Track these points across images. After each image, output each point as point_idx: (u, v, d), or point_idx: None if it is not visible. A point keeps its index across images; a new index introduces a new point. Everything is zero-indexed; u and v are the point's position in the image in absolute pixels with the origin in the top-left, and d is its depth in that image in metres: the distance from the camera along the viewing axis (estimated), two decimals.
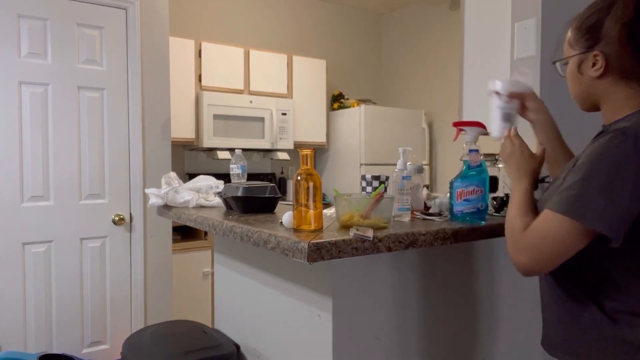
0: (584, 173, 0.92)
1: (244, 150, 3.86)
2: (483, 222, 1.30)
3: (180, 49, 3.56)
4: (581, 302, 1.00)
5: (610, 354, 0.96)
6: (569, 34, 1.06)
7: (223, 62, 3.78)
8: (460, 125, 1.38)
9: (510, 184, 1.14)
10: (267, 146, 3.93)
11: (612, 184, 0.88)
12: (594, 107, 1.06)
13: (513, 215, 1.04)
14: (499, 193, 1.53)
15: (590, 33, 1.00)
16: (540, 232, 0.95)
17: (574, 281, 1.02)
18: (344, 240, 1.04)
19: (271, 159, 4.34)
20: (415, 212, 1.44)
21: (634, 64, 0.96)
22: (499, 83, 1.27)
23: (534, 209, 1.04)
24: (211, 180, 1.93)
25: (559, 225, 0.93)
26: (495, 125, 1.29)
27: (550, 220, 0.94)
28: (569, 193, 0.93)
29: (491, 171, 1.41)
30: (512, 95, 1.25)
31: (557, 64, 1.11)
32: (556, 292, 1.06)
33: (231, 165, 1.96)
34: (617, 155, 0.88)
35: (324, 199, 4.02)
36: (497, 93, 1.26)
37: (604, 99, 1.02)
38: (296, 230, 1.15)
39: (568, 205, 0.92)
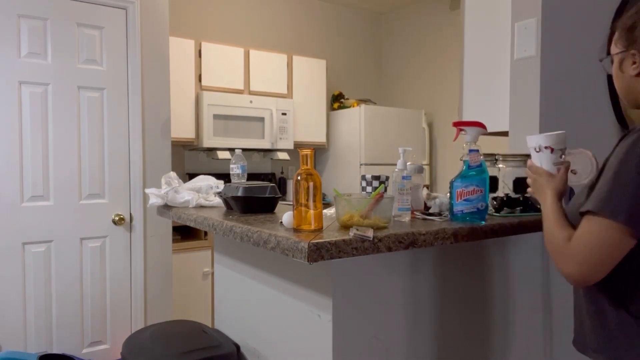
0: (613, 172, 0.93)
1: (244, 150, 3.87)
2: (483, 222, 1.30)
3: (180, 49, 3.56)
4: (608, 304, 1.03)
5: (636, 353, 0.99)
6: (616, 32, 1.09)
7: (223, 62, 3.78)
8: (460, 125, 1.38)
9: (541, 203, 1.15)
10: (267, 146, 3.94)
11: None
12: (637, 105, 1.09)
13: (551, 229, 1.05)
14: (499, 193, 1.53)
15: (629, 33, 1.03)
16: (583, 239, 0.96)
17: (600, 283, 1.02)
18: (344, 240, 1.04)
19: (271, 159, 4.34)
20: (415, 212, 1.44)
21: None
22: (547, 137, 1.19)
23: (569, 221, 1.05)
24: (211, 180, 1.93)
25: (598, 228, 0.93)
26: None
27: (590, 225, 0.95)
28: (600, 192, 0.94)
29: (491, 171, 1.41)
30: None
31: (604, 61, 1.14)
32: (586, 293, 1.09)
33: (231, 165, 1.96)
34: None
35: (324, 199, 4.02)
36: (548, 148, 1.19)
37: None
38: (296, 230, 1.15)
39: (601, 204, 0.93)
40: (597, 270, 0.95)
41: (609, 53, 1.13)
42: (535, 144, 1.19)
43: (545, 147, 1.18)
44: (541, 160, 1.19)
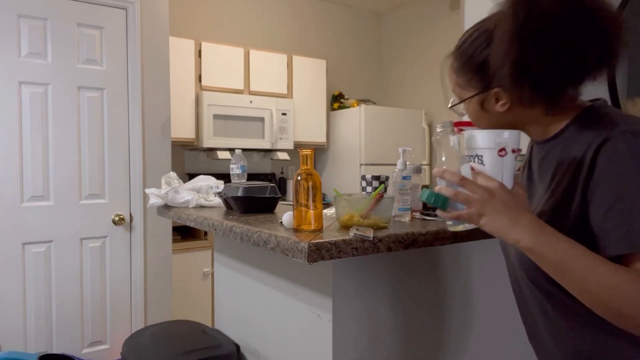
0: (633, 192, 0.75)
1: (244, 150, 3.87)
2: None
3: (180, 49, 3.56)
4: (605, 332, 0.85)
5: None
6: (454, 76, 0.96)
7: (223, 62, 3.78)
8: (460, 125, 1.38)
9: (514, 240, 0.79)
10: (267, 146, 3.93)
11: None
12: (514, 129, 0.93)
13: (611, 278, 0.72)
14: None
15: (480, 73, 0.90)
16: None
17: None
18: (344, 240, 1.04)
19: (271, 159, 4.34)
20: (414, 212, 1.44)
21: (537, 90, 0.84)
22: (515, 135, 0.88)
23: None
24: (211, 180, 1.93)
25: None
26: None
27: None
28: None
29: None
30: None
31: (455, 109, 0.98)
32: (577, 321, 0.88)
33: (231, 165, 1.96)
34: None
35: (324, 199, 4.02)
36: (515, 152, 0.89)
37: (524, 123, 0.92)
38: (296, 230, 1.15)
39: None
40: None
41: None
42: (498, 145, 0.85)
43: (513, 151, 0.86)
44: (501, 169, 0.85)
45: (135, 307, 2.79)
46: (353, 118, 4.25)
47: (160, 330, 1.81)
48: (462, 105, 0.97)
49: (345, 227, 1.17)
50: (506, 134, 0.85)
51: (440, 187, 0.85)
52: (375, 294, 1.28)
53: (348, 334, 1.24)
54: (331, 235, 1.07)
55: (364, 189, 1.50)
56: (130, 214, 2.77)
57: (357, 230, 1.09)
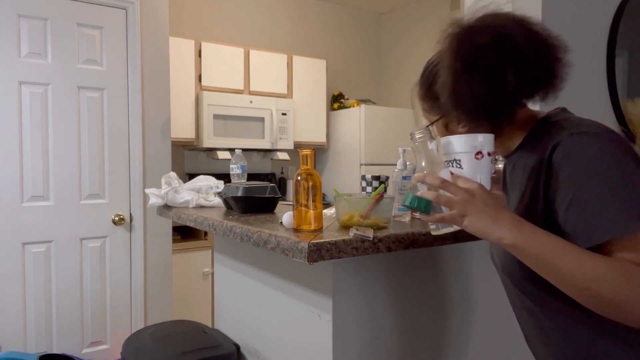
0: (606, 181, 0.77)
1: (244, 150, 3.87)
2: None
3: (180, 49, 3.56)
4: (592, 333, 0.86)
5: None
6: (420, 102, 1.07)
7: (223, 62, 3.78)
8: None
9: (497, 238, 0.81)
10: (267, 146, 3.93)
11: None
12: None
13: (596, 271, 0.73)
14: None
15: (436, 101, 0.98)
16: None
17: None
18: (344, 240, 1.04)
19: (271, 159, 4.34)
20: (414, 212, 1.44)
21: (474, 115, 0.90)
22: (490, 138, 0.90)
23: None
24: (211, 180, 1.93)
25: None
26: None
27: None
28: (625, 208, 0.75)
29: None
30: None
31: (430, 128, 1.04)
32: (563, 322, 0.89)
33: (231, 165, 1.96)
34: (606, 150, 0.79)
35: (324, 199, 4.03)
36: (492, 155, 0.91)
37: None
38: (296, 230, 1.15)
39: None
40: None
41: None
42: (474, 148, 0.87)
43: (489, 154, 0.88)
44: (479, 171, 0.87)
45: (135, 307, 2.79)
46: (353, 118, 4.25)
47: (160, 330, 1.81)
48: (430, 127, 1.05)
49: (345, 227, 1.17)
50: (480, 137, 0.87)
51: (423, 191, 0.87)
52: (375, 294, 1.28)
53: (348, 334, 1.24)
54: (331, 235, 1.07)
55: (364, 189, 1.50)
56: (130, 214, 2.77)
57: (357, 230, 1.09)
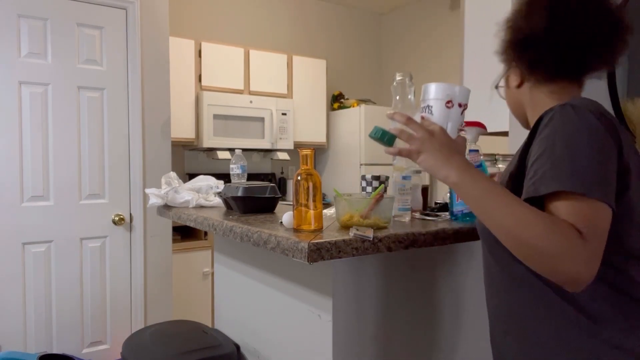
0: (564, 146, 0.80)
1: (244, 150, 3.87)
2: None
3: (180, 49, 3.56)
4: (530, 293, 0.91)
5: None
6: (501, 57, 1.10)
7: (223, 62, 3.78)
8: (467, 125, 1.37)
9: (444, 176, 0.88)
10: (267, 146, 3.94)
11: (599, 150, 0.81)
12: (525, 120, 1.06)
13: (523, 215, 0.77)
14: None
15: (504, 52, 1.02)
16: (591, 224, 0.76)
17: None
18: (344, 240, 1.04)
19: (271, 159, 4.34)
20: (414, 212, 1.44)
21: (527, 67, 0.97)
22: (465, 91, 0.97)
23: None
24: (211, 180, 1.93)
25: (594, 210, 0.77)
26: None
27: (585, 207, 0.76)
28: (567, 169, 0.78)
29: (491, 171, 1.41)
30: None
31: (499, 90, 1.11)
32: (511, 279, 0.94)
33: (231, 165, 1.96)
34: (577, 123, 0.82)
35: (324, 199, 4.03)
36: (462, 106, 0.97)
37: (529, 105, 1.02)
38: (296, 230, 1.15)
39: (582, 182, 0.77)
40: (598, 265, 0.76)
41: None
42: (447, 97, 0.93)
43: (460, 105, 0.94)
44: (447, 119, 0.94)
45: (135, 307, 2.79)
46: (353, 118, 4.25)
47: (160, 330, 1.81)
48: (502, 83, 1.08)
49: (345, 227, 1.17)
50: (457, 88, 0.93)
51: (391, 128, 0.95)
52: (376, 294, 1.28)
53: (348, 334, 1.24)
54: (331, 235, 1.07)
55: (364, 189, 1.50)
56: (130, 214, 2.77)
57: (357, 230, 1.09)
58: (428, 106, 0.96)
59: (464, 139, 0.98)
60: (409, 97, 1.00)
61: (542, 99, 0.98)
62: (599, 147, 0.79)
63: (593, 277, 0.75)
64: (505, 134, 2.02)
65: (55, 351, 2.58)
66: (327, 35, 4.79)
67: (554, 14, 0.90)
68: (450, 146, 0.90)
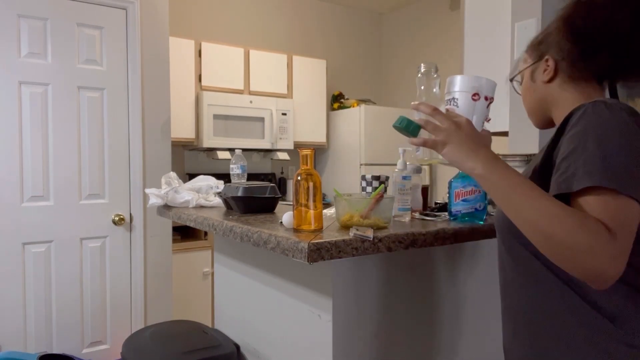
0: (596, 143, 0.79)
1: (244, 150, 3.87)
2: (482, 222, 1.30)
3: (180, 49, 3.56)
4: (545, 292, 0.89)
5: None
6: (525, 55, 1.06)
7: (223, 62, 3.78)
8: None
9: (469, 168, 0.86)
10: (267, 146, 3.94)
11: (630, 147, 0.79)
12: (547, 118, 1.02)
13: (552, 210, 0.76)
14: None
15: (540, 44, 0.99)
16: (621, 222, 0.75)
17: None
18: (344, 240, 1.04)
19: (271, 159, 4.34)
20: (414, 212, 1.45)
21: (577, 59, 0.93)
22: (492, 84, 0.96)
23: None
24: (211, 180, 1.93)
25: (625, 207, 0.75)
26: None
27: (615, 203, 0.75)
28: (599, 165, 0.76)
29: None
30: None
31: (514, 83, 1.08)
32: (526, 277, 0.93)
33: (231, 165, 1.96)
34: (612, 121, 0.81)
35: (324, 199, 4.03)
36: (488, 99, 0.97)
37: (555, 103, 0.99)
38: (296, 230, 1.15)
39: (616, 179, 0.76)
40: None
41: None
42: (473, 89, 0.91)
43: (486, 98, 0.92)
44: (473, 112, 0.92)
45: (135, 307, 2.79)
46: (353, 118, 4.25)
47: (160, 330, 1.81)
48: (519, 78, 1.04)
49: (345, 227, 1.17)
50: (483, 80, 0.90)
51: (416, 118, 0.93)
52: (376, 294, 1.28)
53: (348, 334, 1.24)
54: (331, 235, 1.07)
55: (364, 189, 1.50)
56: (130, 214, 2.77)
57: (357, 230, 1.09)
58: (453, 98, 0.94)
59: (490, 132, 0.96)
60: (434, 89, 0.98)
61: (571, 97, 0.96)
62: (631, 144, 0.78)
63: (619, 275, 0.74)
64: (505, 134, 2.02)
65: (55, 351, 2.58)
66: (327, 35, 4.79)
67: (637, 14, 0.87)
68: (476, 138, 0.88)
